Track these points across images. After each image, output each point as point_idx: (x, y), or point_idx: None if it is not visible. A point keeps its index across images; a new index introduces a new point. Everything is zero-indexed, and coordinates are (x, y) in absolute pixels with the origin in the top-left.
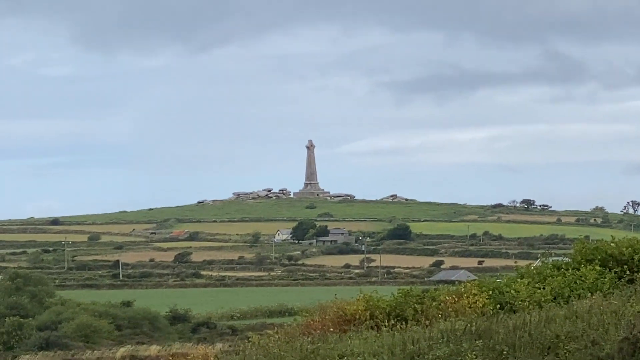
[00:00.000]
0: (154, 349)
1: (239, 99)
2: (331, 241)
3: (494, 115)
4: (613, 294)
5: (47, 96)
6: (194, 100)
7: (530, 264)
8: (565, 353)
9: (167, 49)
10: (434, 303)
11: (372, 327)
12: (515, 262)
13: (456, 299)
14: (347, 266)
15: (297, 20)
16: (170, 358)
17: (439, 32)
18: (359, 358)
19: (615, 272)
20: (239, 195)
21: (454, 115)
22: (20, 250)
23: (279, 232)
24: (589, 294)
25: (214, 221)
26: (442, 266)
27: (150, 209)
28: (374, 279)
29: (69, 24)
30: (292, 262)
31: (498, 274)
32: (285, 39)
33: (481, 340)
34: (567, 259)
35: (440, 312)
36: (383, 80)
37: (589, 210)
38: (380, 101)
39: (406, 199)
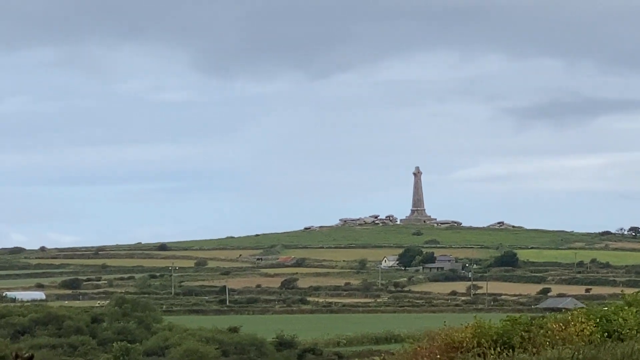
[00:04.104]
0: None
1: (351, 126)
2: (438, 268)
3: (611, 142)
4: None
5: (163, 122)
6: (307, 126)
7: (638, 292)
8: None
9: (284, 75)
10: (541, 331)
11: (479, 355)
12: (622, 290)
13: (563, 327)
14: (454, 293)
15: (415, 46)
16: None
17: (558, 59)
18: None
19: None
20: (345, 221)
21: (571, 142)
22: (128, 275)
23: (385, 258)
24: None
25: (321, 247)
26: (549, 294)
27: (257, 235)
28: (480, 306)
29: (188, 50)
30: (399, 288)
31: (605, 301)
32: (402, 65)
33: None
34: None
35: (548, 340)
36: (501, 106)
37: None
38: (497, 128)
39: (513, 226)
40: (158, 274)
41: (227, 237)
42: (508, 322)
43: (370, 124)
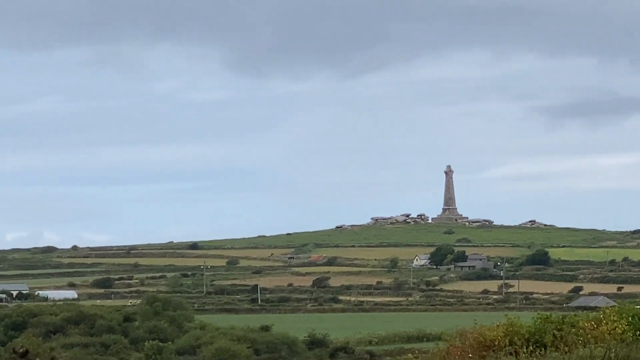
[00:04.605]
0: None
1: (383, 125)
2: (469, 266)
3: None
4: None
5: (196, 121)
6: (340, 126)
7: None
8: None
9: (318, 75)
10: (573, 329)
11: (511, 354)
12: None
13: (595, 326)
14: (485, 292)
15: (448, 45)
16: None
17: (592, 57)
18: None
19: None
20: (377, 220)
21: (604, 141)
22: (160, 274)
23: (417, 257)
24: None
25: (352, 246)
26: (580, 292)
27: (289, 234)
28: (512, 304)
29: (221, 49)
30: (430, 287)
31: (637, 300)
32: (436, 64)
33: None
34: None
35: (580, 339)
36: (533, 105)
37: None
38: (530, 126)
39: (545, 225)
40: (190, 273)
41: (259, 236)
42: (540, 321)
43: (402, 123)
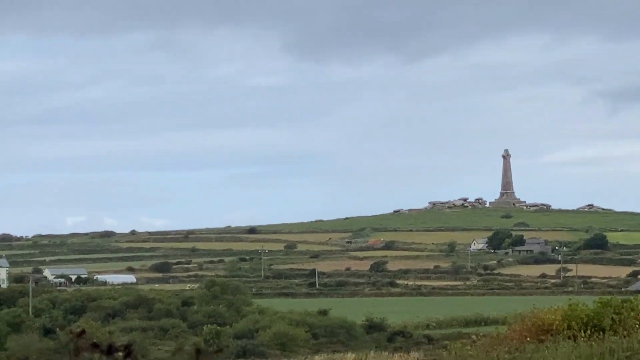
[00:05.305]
0: (349, 357)
1: (442, 110)
2: (527, 251)
3: None
4: None
5: (254, 106)
6: (399, 110)
7: None
8: None
9: (378, 59)
10: (632, 313)
11: (569, 337)
12: None
13: None
14: (543, 276)
15: (508, 29)
16: None
17: None
18: None
19: None
20: (435, 204)
21: None
22: (218, 259)
23: (474, 241)
24: None
25: (410, 230)
26: (639, 276)
27: (347, 218)
28: (570, 289)
29: (280, 34)
30: (488, 271)
31: None
32: (495, 49)
33: None
34: None
35: (638, 322)
36: (594, 89)
37: None
38: (590, 111)
39: (603, 209)
40: (248, 257)
41: (317, 221)
42: (599, 305)
43: (461, 108)
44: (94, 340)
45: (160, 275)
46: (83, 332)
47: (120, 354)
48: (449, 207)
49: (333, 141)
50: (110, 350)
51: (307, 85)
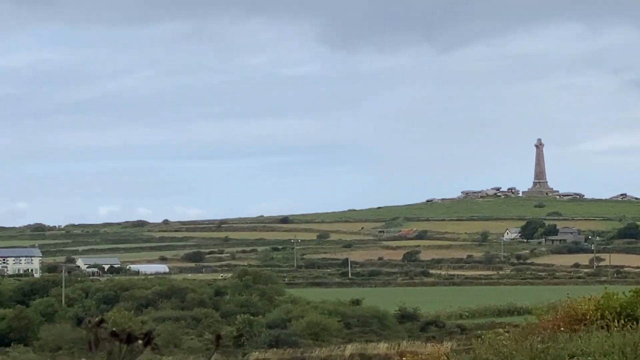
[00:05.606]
0: (382, 347)
1: (475, 99)
2: (560, 240)
3: None
4: None
5: (287, 96)
6: (431, 100)
7: None
8: None
9: (410, 49)
10: None
11: (602, 327)
12: None
13: None
14: (577, 265)
15: (541, 18)
16: (398, 357)
17: None
18: (589, 358)
19: None
20: (467, 194)
21: None
22: (250, 248)
23: (507, 230)
24: None
25: (443, 220)
26: None
27: (379, 208)
28: (603, 278)
29: (314, 23)
30: (521, 261)
31: None
32: (529, 38)
33: None
34: None
35: None
36: (628, 78)
37: None
38: (625, 99)
39: (636, 198)
40: (280, 247)
41: (349, 210)
42: (633, 294)
43: (494, 97)
44: (113, 329)
45: (192, 264)
46: (102, 321)
47: (140, 342)
48: (481, 197)
49: (366, 130)
50: (130, 338)
51: (339, 74)
